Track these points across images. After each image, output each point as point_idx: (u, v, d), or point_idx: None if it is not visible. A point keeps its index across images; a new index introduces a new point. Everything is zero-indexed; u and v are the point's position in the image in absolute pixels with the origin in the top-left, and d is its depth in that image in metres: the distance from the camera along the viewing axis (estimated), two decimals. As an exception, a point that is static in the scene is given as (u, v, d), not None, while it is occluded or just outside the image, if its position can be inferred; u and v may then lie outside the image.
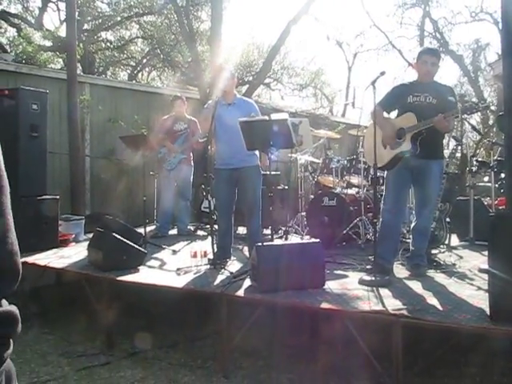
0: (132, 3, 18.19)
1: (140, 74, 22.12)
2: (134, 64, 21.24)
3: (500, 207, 6.90)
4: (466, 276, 4.71)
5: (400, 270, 4.95)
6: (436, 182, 4.83)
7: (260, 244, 4.27)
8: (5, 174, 1.00)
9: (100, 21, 18.31)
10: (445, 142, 5.81)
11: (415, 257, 4.87)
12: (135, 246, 5.26)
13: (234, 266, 5.26)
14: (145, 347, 4.56)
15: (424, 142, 4.66)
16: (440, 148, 4.92)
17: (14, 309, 0.97)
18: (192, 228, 8.05)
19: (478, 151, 23.07)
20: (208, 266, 5.07)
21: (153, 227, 7.87)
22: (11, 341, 0.96)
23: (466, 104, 4.54)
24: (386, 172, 5.11)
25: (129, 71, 21.46)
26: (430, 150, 4.71)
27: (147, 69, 22.34)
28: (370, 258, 5.18)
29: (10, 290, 0.97)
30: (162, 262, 5.56)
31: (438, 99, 4.71)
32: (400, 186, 4.87)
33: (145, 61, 21.04)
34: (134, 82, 17.93)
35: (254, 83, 14.74)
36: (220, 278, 4.67)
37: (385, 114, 4.97)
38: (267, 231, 6.48)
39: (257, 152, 5.45)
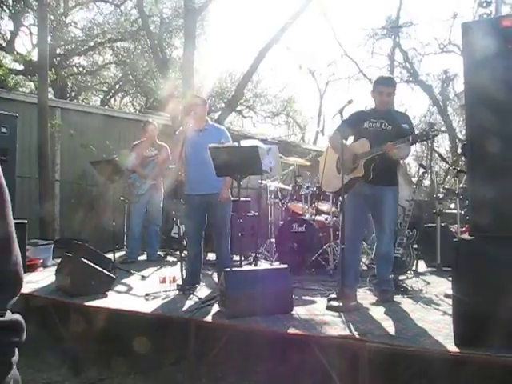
0: (106, 29, 18.26)
1: (112, 100, 22.12)
2: (106, 89, 21.24)
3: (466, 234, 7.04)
4: (432, 301, 4.80)
5: (368, 296, 5.01)
6: (391, 209, 4.90)
7: (228, 269, 4.30)
8: (6, 189, 1.03)
9: (73, 46, 18.31)
10: (414, 169, 5.94)
11: (382, 283, 4.94)
12: (104, 271, 5.24)
13: (202, 291, 5.26)
14: (116, 371, 4.51)
15: (377, 168, 4.73)
16: (394, 175, 4.98)
17: (19, 317, 0.99)
18: (161, 254, 8.02)
19: (446, 179, 23.47)
20: (177, 292, 5.07)
21: (122, 253, 7.83)
22: (16, 349, 0.98)
23: (418, 132, 4.69)
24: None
25: (101, 96, 21.44)
26: (383, 177, 4.78)
27: (120, 94, 22.36)
28: (337, 284, 5.23)
29: (13, 298, 1.00)
30: (130, 288, 5.54)
31: (393, 125, 4.82)
32: (357, 212, 4.90)
33: (117, 86, 21.06)
34: (106, 107, 17.92)
35: (226, 110, 14.88)
36: (188, 303, 4.68)
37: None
38: (237, 257, 6.49)
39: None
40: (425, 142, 27.45)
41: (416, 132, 4.77)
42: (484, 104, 3.32)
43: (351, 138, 5.02)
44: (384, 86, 4.92)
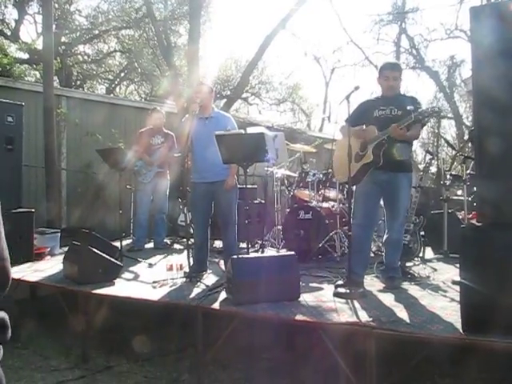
0: (110, 17, 18.20)
1: (118, 88, 22.09)
2: (111, 77, 21.21)
3: (473, 220, 7.03)
4: (439, 288, 4.79)
5: (375, 283, 5.01)
6: (405, 195, 4.88)
7: (235, 257, 4.30)
8: None
9: (78, 34, 18.27)
10: (421, 156, 5.92)
11: (389, 270, 4.93)
12: (111, 259, 5.26)
13: (209, 279, 5.27)
14: (124, 358, 4.55)
15: (388, 152, 4.71)
16: (406, 159, 4.94)
17: (2, 315, 0.97)
18: (168, 241, 8.04)
19: (453, 165, 23.38)
20: (184, 279, 5.08)
21: (129, 241, 7.86)
22: (1, 347, 0.97)
23: (422, 110, 4.60)
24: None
25: (106, 85, 21.42)
26: (395, 162, 4.76)
27: (125, 82, 22.33)
28: (344, 270, 5.23)
29: (0, 294, 0.98)
30: (137, 275, 5.56)
31: (403, 110, 4.77)
32: (369, 199, 4.87)
33: (123, 74, 21.03)
34: (111, 95, 17.91)
35: (231, 97, 14.85)
36: (196, 290, 4.69)
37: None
38: (243, 245, 6.50)
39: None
40: (431, 129, 27.41)
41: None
42: (493, 90, 3.27)
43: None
44: (389, 71, 4.89)
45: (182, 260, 5.55)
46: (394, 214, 4.87)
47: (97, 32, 18.42)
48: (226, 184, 5.45)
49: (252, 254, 5.69)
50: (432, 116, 4.79)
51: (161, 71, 17.72)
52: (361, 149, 4.85)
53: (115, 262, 5.31)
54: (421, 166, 8.25)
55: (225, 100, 15.90)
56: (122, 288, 4.91)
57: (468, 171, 6.94)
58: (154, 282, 5.01)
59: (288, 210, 7.15)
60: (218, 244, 7.19)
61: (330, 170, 7.15)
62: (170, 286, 4.89)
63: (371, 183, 4.81)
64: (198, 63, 12.14)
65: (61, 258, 5.66)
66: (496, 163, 3.28)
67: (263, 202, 7.91)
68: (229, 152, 4.74)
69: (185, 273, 5.17)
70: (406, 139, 4.78)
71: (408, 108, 4.73)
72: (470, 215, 6.77)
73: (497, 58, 3.27)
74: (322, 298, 4.37)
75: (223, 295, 4.37)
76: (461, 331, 3.26)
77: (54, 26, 10.47)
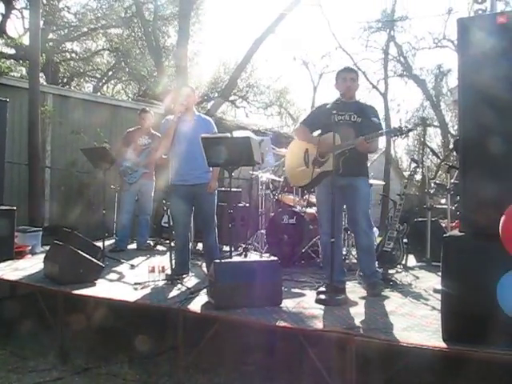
0: (99, 15, 18.12)
1: (105, 87, 21.99)
2: (99, 76, 21.11)
3: (456, 229, 7.06)
4: (421, 296, 4.81)
5: (357, 289, 5.02)
6: (364, 199, 4.89)
7: (218, 261, 4.29)
8: None
9: (66, 31, 18.16)
10: (406, 164, 5.96)
11: (369, 276, 4.94)
12: (93, 259, 5.22)
13: (191, 281, 5.25)
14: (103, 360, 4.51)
15: (347, 161, 4.73)
16: (364, 166, 5.01)
17: None
18: (151, 243, 8.01)
19: (438, 174, 23.54)
20: (165, 282, 5.06)
21: (112, 241, 7.81)
22: None
23: (393, 127, 4.68)
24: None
25: (94, 83, 21.32)
26: (354, 168, 4.79)
27: (112, 81, 22.24)
28: (326, 277, 5.22)
29: None
30: (119, 276, 5.52)
31: (363, 118, 4.80)
32: (330, 205, 4.71)
33: (110, 73, 20.94)
34: (98, 94, 17.81)
35: (219, 100, 14.81)
36: (177, 293, 4.67)
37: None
38: (226, 248, 6.49)
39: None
40: (417, 137, 27.55)
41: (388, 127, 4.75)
42: (478, 100, 3.31)
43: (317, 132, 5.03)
44: (346, 72, 4.95)
45: (164, 262, 5.52)
46: (356, 218, 4.88)
47: (85, 30, 18.32)
48: (209, 187, 5.44)
49: (235, 258, 5.68)
50: (402, 135, 4.77)
51: (149, 71, 17.67)
52: (320, 155, 4.84)
53: (97, 262, 5.28)
54: (406, 174, 8.30)
55: (212, 102, 15.88)
56: (102, 289, 4.87)
57: (452, 180, 6.97)
58: (136, 284, 4.98)
59: (272, 214, 7.16)
60: (201, 246, 7.17)
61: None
62: (152, 288, 4.86)
63: (331, 189, 4.60)
64: (187, 64, 12.13)
65: (42, 256, 5.61)
66: (479, 173, 3.31)
67: (247, 205, 7.90)
68: (214, 155, 4.73)
69: (167, 275, 5.15)
70: (367, 152, 4.86)
71: (372, 119, 4.78)
72: (453, 224, 6.80)
73: (483, 69, 3.31)
74: (304, 304, 4.37)
75: (205, 299, 4.36)
76: (441, 340, 3.27)
77: (41, 22, 10.40)
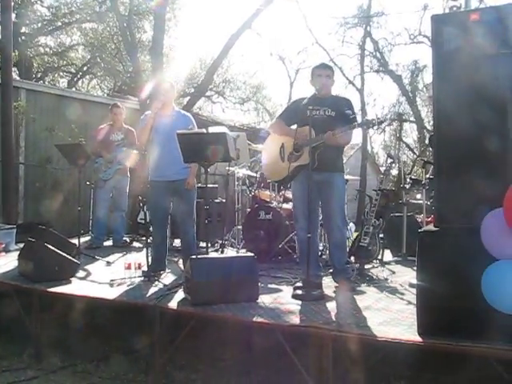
0: (73, 9, 17.90)
1: (80, 82, 21.76)
2: (73, 71, 20.87)
3: (431, 224, 7.11)
4: (397, 291, 4.84)
5: (333, 284, 5.04)
6: (339, 194, 4.91)
7: (194, 257, 4.28)
8: None
9: (39, 25, 17.90)
10: (382, 159, 5.99)
11: (339, 270, 4.98)
12: (68, 256, 5.17)
13: (168, 278, 5.24)
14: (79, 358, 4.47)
15: (323, 155, 4.72)
16: (340, 161, 5.04)
17: None
18: (127, 239, 7.95)
19: (414, 169, 23.74)
20: (142, 278, 5.04)
21: (87, 238, 7.75)
22: None
23: (365, 119, 4.76)
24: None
25: (68, 78, 21.07)
26: (329, 163, 4.80)
27: (87, 77, 22.00)
28: (302, 272, 5.23)
29: None
30: (95, 274, 5.48)
31: (337, 112, 4.82)
32: (306, 200, 4.69)
33: (85, 68, 20.71)
34: (73, 89, 17.62)
35: (195, 95, 14.76)
36: (153, 290, 4.66)
37: None
38: (203, 244, 6.47)
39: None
40: (393, 132, 27.74)
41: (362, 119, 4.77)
42: (451, 96, 3.36)
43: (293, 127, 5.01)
44: (321, 69, 4.96)
45: (140, 259, 5.49)
46: (331, 213, 4.90)
47: (59, 24, 18.08)
48: (187, 183, 5.43)
49: (211, 254, 5.68)
50: (373, 126, 4.83)
51: (124, 66, 17.52)
52: (295, 149, 4.87)
53: (72, 259, 5.24)
54: (382, 169, 8.35)
55: (188, 97, 15.79)
56: (78, 286, 4.84)
57: (427, 175, 7.04)
58: (112, 281, 4.96)
59: (249, 210, 7.15)
60: (178, 243, 7.15)
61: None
62: (128, 285, 4.85)
63: (307, 184, 4.61)
64: (162, 60, 12.05)
65: (16, 254, 5.55)
66: (453, 168, 3.35)
67: (224, 201, 7.89)
68: (190, 151, 4.71)
69: (143, 272, 5.13)
70: (338, 145, 4.86)
71: (346, 112, 4.80)
72: (429, 219, 6.87)
73: (456, 65, 3.35)
74: (281, 299, 4.38)
75: (181, 295, 4.35)
76: (416, 334, 3.30)
77: (13, 16, 10.24)
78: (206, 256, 4.69)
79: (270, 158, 5.17)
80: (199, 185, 5.67)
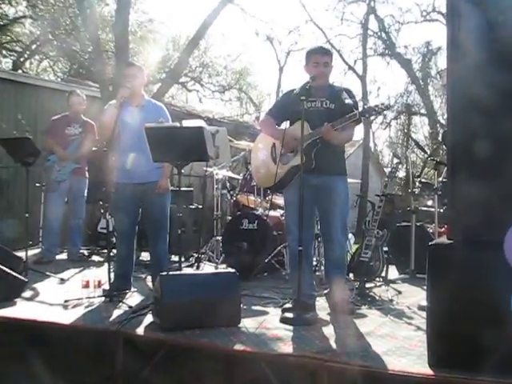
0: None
1: (28, 63, 21.62)
2: (20, 49, 20.71)
3: (444, 235, 7.16)
4: (403, 314, 4.87)
5: (327, 307, 5.07)
6: (341, 202, 4.92)
7: (165, 273, 4.29)
8: None
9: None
10: (387, 158, 6.02)
11: (336, 293, 4.95)
12: (13, 272, 5.15)
13: (134, 298, 5.25)
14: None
15: (321, 154, 4.75)
16: (341, 162, 5.04)
17: None
18: (85, 252, 7.93)
19: (424, 171, 23.79)
20: (103, 299, 5.04)
21: (37, 250, 7.71)
22: None
23: (367, 106, 4.73)
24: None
25: (13, 58, 20.91)
26: (329, 165, 4.82)
27: (37, 57, 21.87)
28: (293, 291, 5.25)
29: None
30: (46, 293, 5.46)
31: (337, 103, 4.84)
32: (304, 209, 4.64)
33: (34, 47, 20.57)
34: (19, 71, 17.51)
35: (167, 82, 14.73)
36: (117, 312, 4.66)
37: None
38: (175, 258, 6.47)
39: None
40: (400, 127, 27.86)
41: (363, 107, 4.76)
42: (470, 84, 3.31)
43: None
44: (320, 55, 4.94)
45: (101, 275, 5.48)
46: (331, 224, 4.90)
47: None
48: (159, 187, 5.43)
49: (185, 270, 5.68)
50: (376, 114, 4.86)
51: (82, 46, 17.45)
52: (289, 149, 4.89)
53: (18, 276, 5.21)
54: (386, 170, 8.39)
55: (159, 84, 15.77)
56: (25, 308, 4.82)
57: (440, 178, 7.07)
58: (66, 302, 4.95)
59: (229, 218, 7.17)
60: (145, 256, 7.14)
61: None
62: (86, 307, 4.84)
63: (304, 188, 4.60)
64: (128, 38, 12.04)
65: None
66: (471, 170, 3.31)
67: (200, 207, 7.89)
68: (160, 148, 4.71)
69: (104, 291, 5.12)
70: (338, 142, 4.87)
71: (346, 102, 4.80)
72: (442, 229, 6.91)
73: (476, 47, 3.30)
74: (267, 324, 4.39)
75: (149, 319, 4.35)
76: (427, 365, 3.31)
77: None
78: (178, 272, 4.70)
79: (259, 160, 5.19)
80: (171, 188, 5.66)
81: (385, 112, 4.78)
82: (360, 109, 4.77)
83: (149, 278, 6.09)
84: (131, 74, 5.50)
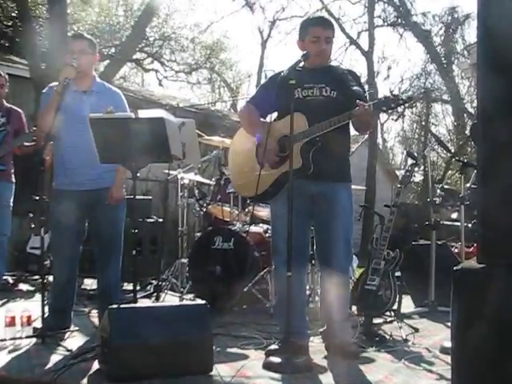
0: None
1: None
2: None
3: (473, 257, 7.19)
4: (422, 359, 4.87)
5: (324, 349, 5.07)
6: (346, 215, 4.92)
7: (115, 306, 4.27)
8: None
9: None
10: (400, 158, 6.02)
11: (336, 329, 4.95)
12: None
13: (74, 339, 5.23)
14: None
15: (321, 156, 4.71)
16: (346, 165, 5.04)
17: None
18: (10, 279, 7.89)
19: (447, 174, 23.90)
20: (33, 340, 5.02)
21: None
22: None
23: (385, 96, 4.60)
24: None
25: None
26: (332, 168, 4.81)
27: None
28: (279, 329, 5.24)
29: None
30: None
31: (340, 90, 4.83)
32: (297, 223, 4.63)
33: None
34: None
35: (117, 59, 14.73)
36: (53, 358, 4.63)
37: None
38: (129, 286, 6.46)
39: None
40: (417, 117, 27.93)
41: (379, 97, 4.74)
42: (508, 62, 3.23)
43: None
44: (321, 28, 4.87)
45: (31, 309, 5.45)
46: (332, 244, 4.89)
47: None
48: (111, 195, 5.40)
49: (141, 302, 5.66)
50: (397, 107, 4.79)
51: (4, 10, 17.37)
52: (281, 148, 4.87)
53: None
54: (399, 174, 8.42)
55: (107, 62, 15.75)
56: None
57: (468, 184, 7.11)
58: (-16, 345, 4.92)
59: (199, 234, 7.17)
60: (90, 284, 7.12)
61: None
62: (10, 351, 4.81)
63: (297, 198, 4.57)
64: (65, 4, 12.00)
65: None
66: (508, 174, 3.33)
67: (161, 221, 7.89)
68: (109, 146, 4.70)
69: (35, 329, 5.09)
70: (364, 130, 5.01)
71: (354, 89, 4.80)
72: (470, 249, 6.95)
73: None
74: (246, 371, 4.40)
75: (95, 366, 4.34)
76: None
77: None
78: (132, 305, 4.68)
79: (241, 162, 5.17)
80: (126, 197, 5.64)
81: (406, 104, 4.72)
82: (368, 97, 4.76)
83: (94, 312, 6.07)
84: (79, 50, 5.42)
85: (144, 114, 4.99)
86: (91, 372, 4.25)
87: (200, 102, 19.50)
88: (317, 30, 4.84)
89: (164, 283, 7.02)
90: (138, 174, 4.84)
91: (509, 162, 3.28)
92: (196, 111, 13.60)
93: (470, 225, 7.08)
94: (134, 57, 19.86)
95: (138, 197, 5.09)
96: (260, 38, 26.72)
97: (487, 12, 3.34)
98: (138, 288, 5.02)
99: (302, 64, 4.74)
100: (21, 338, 5.02)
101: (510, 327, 3.13)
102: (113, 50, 18.10)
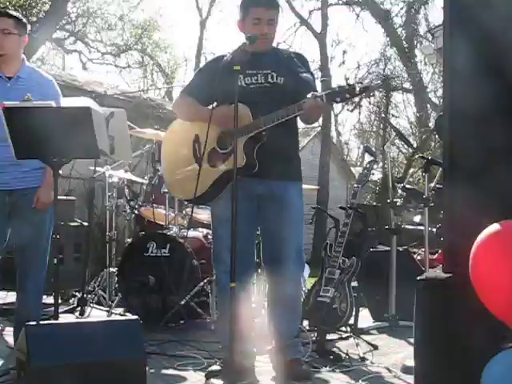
0: None
1: None
2: None
3: (438, 265, 7.27)
4: (382, 379, 4.94)
5: (272, 370, 5.08)
6: (296, 219, 4.94)
7: (33, 323, 4.24)
8: None
9: None
10: (356, 153, 6.05)
11: (286, 348, 4.98)
12: None
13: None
14: None
15: (268, 152, 4.71)
16: (295, 162, 5.07)
17: None
18: None
19: (409, 172, 24.14)
20: None
21: None
22: None
23: (339, 86, 4.52)
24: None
25: None
26: (280, 165, 4.81)
27: None
28: (221, 347, 5.25)
29: None
30: None
31: (287, 77, 4.83)
32: (243, 228, 4.60)
33: None
34: None
35: (33, 38, 14.58)
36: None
37: None
38: (49, 299, 6.41)
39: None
40: (375, 108, 28.20)
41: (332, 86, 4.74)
42: (477, 48, 3.33)
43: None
44: (263, 8, 4.83)
45: None
46: (281, 250, 4.88)
47: None
48: (37, 200, 5.35)
49: (63, 318, 5.62)
50: (353, 97, 4.76)
51: None
52: (219, 144, 4.87)
53: None
54: (356, 172, 8.48)
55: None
56: None
57: (433, 184, 7.17)
58: None
59: (129, 240, 7.15)
60: (2, 298, 7.05)
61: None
62: None
63: (240, 201, 4.50)
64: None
65: None
66: (477, 172, 3.36)
67: (86, 224, 7.84)
68: (26, 139, 4.65)
69: None
70: (311, 122, 5.05)
71: (303, 76, 4.82)
72: (434, 256, 7.01)
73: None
74: (185, 395, 4.40)
75: (9, 391, 4.30)
76: None
77: None
78: (53, 322, 4.65)
79: (175, 159, 5.14)
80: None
81: (363, 94, 4.69)
82: (320, 86, 4.77)
83: (9, 330, 6.02)
84: (1, 29, 5.39)
85: (67, 102, 4.95)
86: (6, 398, 4.23)
87: (130, 88, 19.41)
88: (258, 11, 4.80)
89: (89, 296, 6.98)
90: (60, 172, 4.80)
91: (477, 160, 3.34)
92: (126, 99, 13.51)
93: (434, 229, 7.15)
94: (54, 36, 19.70)
95: (59, 197, 5.05)
96: (199, 17, 26.64)
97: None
98: (59, 301, 4.98)
99: (244, 47, 4.68)
100: None
101: (475, 339, 3.17)
102: (29, 27, 17.92)
